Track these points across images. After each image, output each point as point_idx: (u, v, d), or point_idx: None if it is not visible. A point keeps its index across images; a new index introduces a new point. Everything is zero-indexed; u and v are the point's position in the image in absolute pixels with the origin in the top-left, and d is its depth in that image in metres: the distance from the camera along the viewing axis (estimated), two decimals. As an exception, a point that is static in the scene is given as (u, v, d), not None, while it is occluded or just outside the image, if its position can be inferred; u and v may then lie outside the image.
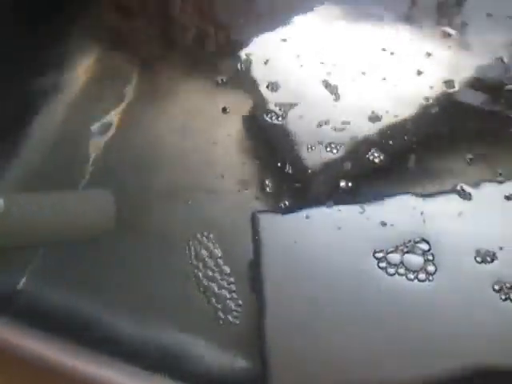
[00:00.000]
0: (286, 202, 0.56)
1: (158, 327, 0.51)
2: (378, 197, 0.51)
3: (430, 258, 0.48)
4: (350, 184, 0.56)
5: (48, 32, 0.69)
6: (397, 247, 0.48)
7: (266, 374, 0.44)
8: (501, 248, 0.48)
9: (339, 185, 0.55)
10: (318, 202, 0.52)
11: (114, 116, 0.64)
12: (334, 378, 0.44)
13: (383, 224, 0.50)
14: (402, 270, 0.48)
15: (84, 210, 0.50)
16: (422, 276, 0.47)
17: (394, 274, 0.47)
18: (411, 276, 0.47)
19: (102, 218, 0.51)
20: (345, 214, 0.50)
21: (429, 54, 0.62)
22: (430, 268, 0.48)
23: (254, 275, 0.49)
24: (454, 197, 0.51)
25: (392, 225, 0.50)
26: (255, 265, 0.49)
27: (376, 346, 0.45)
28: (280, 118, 0.59)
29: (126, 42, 0.71)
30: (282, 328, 0.46)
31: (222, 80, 0.65)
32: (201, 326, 0.51)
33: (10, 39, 0.66)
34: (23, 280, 0.52)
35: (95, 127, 0.63)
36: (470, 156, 0.58)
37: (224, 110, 0.63)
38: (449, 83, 0.60)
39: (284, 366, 0.45)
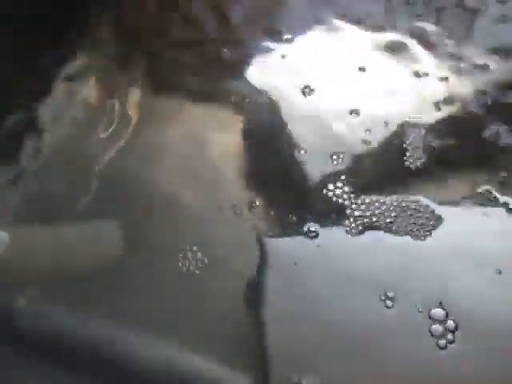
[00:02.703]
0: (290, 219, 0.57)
1: (160, 341, 0.52)
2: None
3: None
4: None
5: (47, 57, 0.68)
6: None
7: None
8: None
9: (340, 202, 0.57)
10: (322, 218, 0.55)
11: (116, 133, 0.64)
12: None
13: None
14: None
15: (87, 245, 0.50)
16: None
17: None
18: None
19: (107, 252, 0.51)
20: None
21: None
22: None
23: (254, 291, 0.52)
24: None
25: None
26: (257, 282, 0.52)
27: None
28: (283, 132, 0.60)
29: (125, 60, 0.70)
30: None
31: (222, 97, 0.66)
32: (203, 339, 0.52)
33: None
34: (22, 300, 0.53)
35: (96, 146, 0.63)
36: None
37: (224, 124, 0.64)
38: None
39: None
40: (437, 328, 0.48)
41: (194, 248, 0.55)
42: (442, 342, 0.47)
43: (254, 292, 0.52)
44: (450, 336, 0.47)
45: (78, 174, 0.61)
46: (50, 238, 0.48)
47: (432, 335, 0.48)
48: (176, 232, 0.57)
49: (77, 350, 0.49)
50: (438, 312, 0.49)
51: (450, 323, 0.48)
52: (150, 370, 0.49)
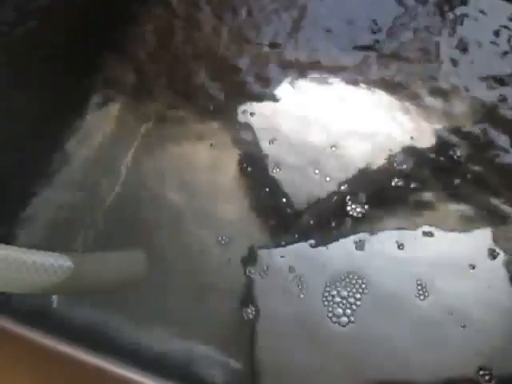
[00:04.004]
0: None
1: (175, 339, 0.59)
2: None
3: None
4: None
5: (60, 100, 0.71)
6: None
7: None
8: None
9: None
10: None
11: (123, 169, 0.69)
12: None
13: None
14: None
15: (126, 266, 0.62)
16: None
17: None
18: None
19: (137, 273, 0.62)
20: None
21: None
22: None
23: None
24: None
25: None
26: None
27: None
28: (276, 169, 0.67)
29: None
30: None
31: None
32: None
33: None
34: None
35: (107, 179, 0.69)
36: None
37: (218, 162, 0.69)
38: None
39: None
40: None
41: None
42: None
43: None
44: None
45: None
46: (106, 263, 0.59)
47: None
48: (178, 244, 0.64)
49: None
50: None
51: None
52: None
